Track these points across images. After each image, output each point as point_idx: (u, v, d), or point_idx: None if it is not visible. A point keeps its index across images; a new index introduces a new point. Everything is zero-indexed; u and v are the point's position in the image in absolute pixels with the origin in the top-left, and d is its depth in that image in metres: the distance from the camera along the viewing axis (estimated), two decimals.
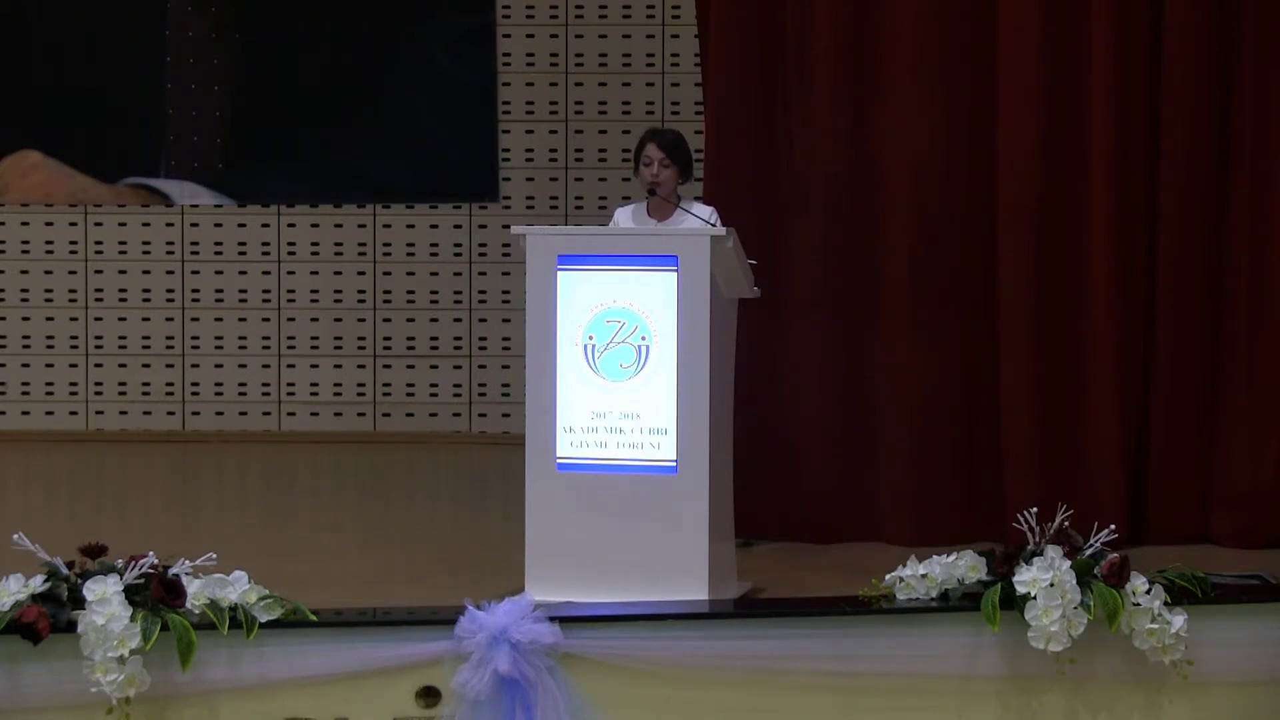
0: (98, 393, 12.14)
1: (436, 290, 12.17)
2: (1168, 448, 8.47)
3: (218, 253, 12.16)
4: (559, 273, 7.08)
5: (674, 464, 7.00)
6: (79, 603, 6.01)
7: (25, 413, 12.13)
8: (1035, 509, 6.51)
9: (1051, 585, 6.27)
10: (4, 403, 12.12)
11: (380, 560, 8.28)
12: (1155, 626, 6.31)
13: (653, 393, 7.01)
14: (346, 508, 10.32)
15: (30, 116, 12.11)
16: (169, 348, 12.16)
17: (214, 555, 6.21)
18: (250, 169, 12.13)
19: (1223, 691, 6.47)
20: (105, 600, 5.96)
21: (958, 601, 6.42)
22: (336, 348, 12.17)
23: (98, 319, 12.16)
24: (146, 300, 12.16)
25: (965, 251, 8.53)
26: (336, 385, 12.15)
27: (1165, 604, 6.35)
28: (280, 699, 6.18)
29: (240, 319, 12.17)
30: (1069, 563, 6.34)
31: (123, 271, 12.15)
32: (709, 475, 6.99)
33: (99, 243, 12.14)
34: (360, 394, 12.15)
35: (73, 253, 12.14)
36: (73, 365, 12.14)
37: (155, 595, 6.02)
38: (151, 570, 6.06)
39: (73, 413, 12.13)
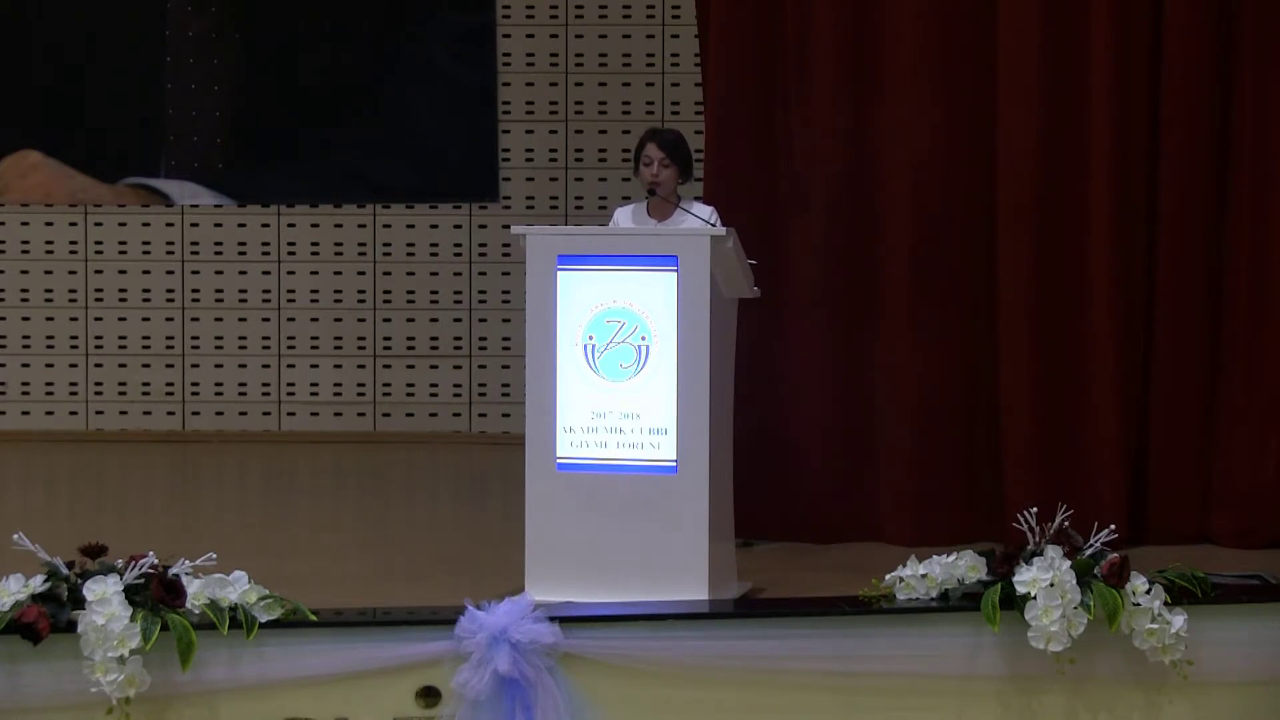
0: (98, 393, 12.14)
1: (436, 290, 12.17)
2: (1168, 448, 8.47)
3: (218, 253, 12.17)
4: (559, 273, 7.08)
5: (674, 464, 7.00)
6: (79, 603, 6.01)
7: (25, 413, 12.13)
8: (1035, 509, 6.51)
9: (1051, 585, 6.27)
10: (4, 403, 12.13)
11: (380, 560, 8.28)
12: (1155, 626, 6.31)
13: (653, 393, 7.01)
14: (346, 508, 10.32)
15: (30, 116, 12.11)
16: (169, 348, 12.16)
17: (214, 555, 6.21)
18: (250, 169, 12.14)
19: (1223, 691, 6.47)
20: (105, 600, 5.96)
21: (958, 601, 6.42)
22: (336, 348, 12.17)
23: (98, 319, 12.16)
24: (146, 300, 12.16)
25: (965, 251, 8.53)
26: (336, 385, 12.15)
27: (1165, 604, 6.35)
28: (280, 699, 6.18)
29: (240, 319, 12.17)
30: (1069, 563, 6.34)
31: (123, 271, 12.15)
32: (709, 475, 6.99)
33: (99, 243, 12.15)
34: (360, 394, 12.15)
35: (73, 253, 12.14)
36: (73, 365, 12.14)
37: (155, 595, 6.02)
38: (151, 570, 6.06)
39: (73, 413, 12.13)
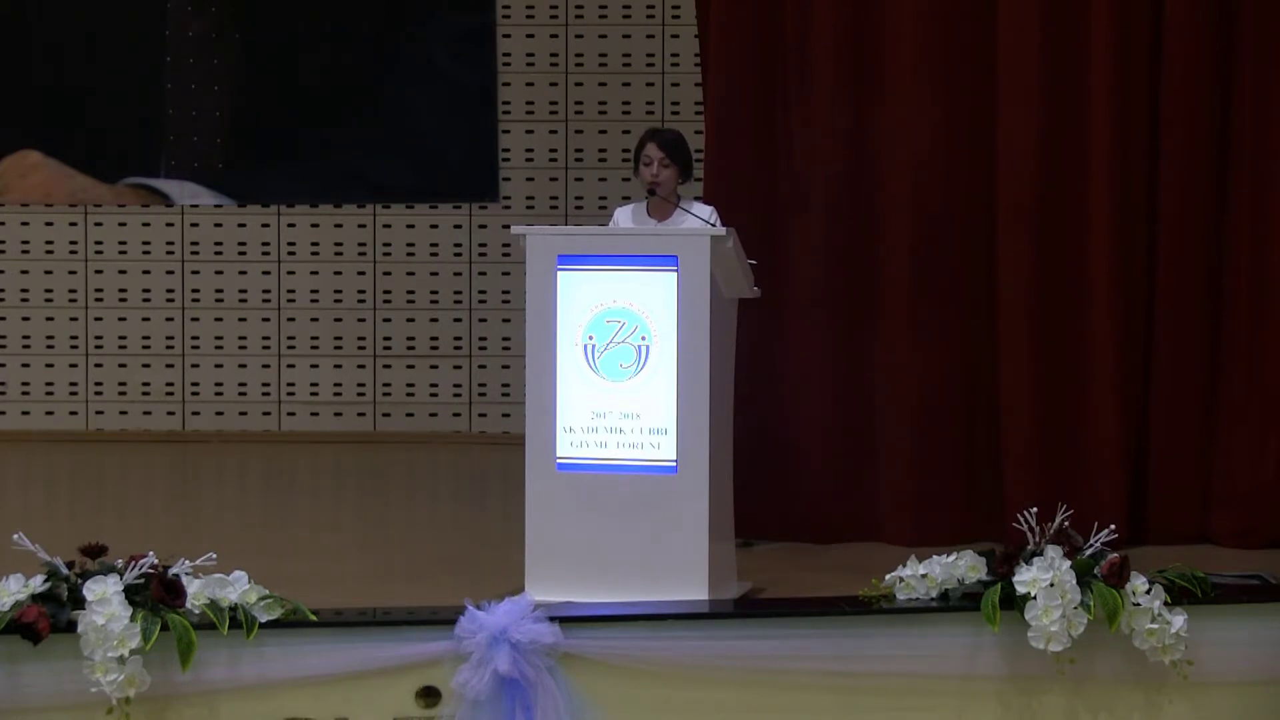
0: (98, 393, 12.14)
1: (436, 290, 12.17)
2: (1168, 448, 8.47)
3: (218, 253, 12.17)
4: (559, 273, 7.08)
5: (674, 464, 7.00)
6: (79, 603, 6.01)
7: (25, 413, 12.13)
8: (1035, 509, 6.51)
9: (1051, 585, 6.27)
10: (4, 403, 12.13)
11: (380, 560, 8.28)
12: (1155, 626, 6.31)
13: (653, 393, 7.01)
14: (346, 508, 10.32)
15: (30, 116, 12.11)
16: (169, 348, 12.16)
17: (214, 555, 6.21)
18: (250, 169, 12.14)
19: (1223, 691, 6.47)
20: (105, 600, 5.96)
21: (958, 601, 6.42)
22: (336, 348, 12.17)
23: (98, 319, 12.16)
24: (146, 300, 12.16)
25: (965, 251, 8.53)
26: (336, 385, 12.15)
27: (1165, 604, 6.35)
28: (280, 699, 6.18)
29: (240, 319, 12.17)
30: (1069, 563, 6.34)
31: (123, 271, 12.15)
32: (709, 475, 6.99)
33: (99, 243, 12.15)
34: (360, 394, 12.15)
35: (73, 253, 12.14)
36: (73, 365, 12.14)
37: (155, 595, 6.02)
38: (151, 570, 6.06)
39: (73, 413, 12.13)
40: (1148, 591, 6.35)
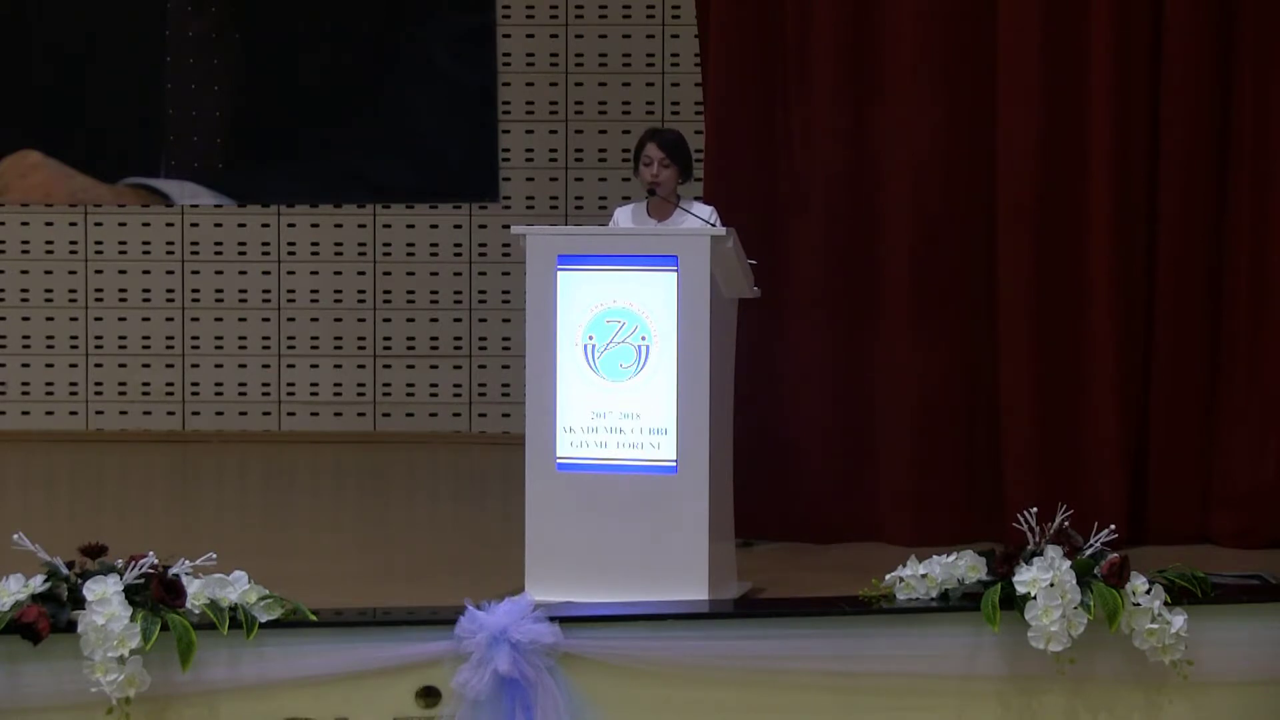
0: (98, 393, 12.14)
1: (436, 290, 12.17)
2: (1168, 448, 8.47)
3: (218, 253, 12.17)
4: (559, 273, 7.08)
5: (674, 464, 7.00)
6: (79, 603, 6.00)
7: (25, 413, 12.13)
8: (1035, 509, 6.51)
9: (1051, 585, 6.27)
10: (4, 403, 12.13)
11: (380, 560, 8.28)
12: (1155, 626, 6.31)
13: (653, 393, 7.01)
14: (346, 508, 10.32)
15: (30, 116, 12.11)
16: (169, 348, 12.16)
17: (214, 555, 6.21)
18: (250, 169, 12.14)
19: (1223, 691, 6.47)
20: (105, 600, 5.96)
21: (958, 601, 6.42)
22: (336, 348, 12.17)
23: (98, 319, 12.16)
24: (146, 300, 12.16)
25: (965, 251, 8.53)
26: (336, 385, 12.15)
27: (1165, 604, 6.35)
28: (280, 699, 6.18)
29: (240, 319, 12.17)
30: (1069, 563, 6.34)
31: (123, 271, 12.15)
32: (709, 475, 6.99)
33: (99, 243, 12.15)
34: (360, 394, 12.15)
35: (73, 253, 12.14)
36: (73, 365, 12.14)
37: (155, 595, 6.02)
38: (151, 570, 6.06)
39: (73, 413, 12.13)
40: (1148, 591, 6.35)
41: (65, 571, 6.09)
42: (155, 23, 12.05)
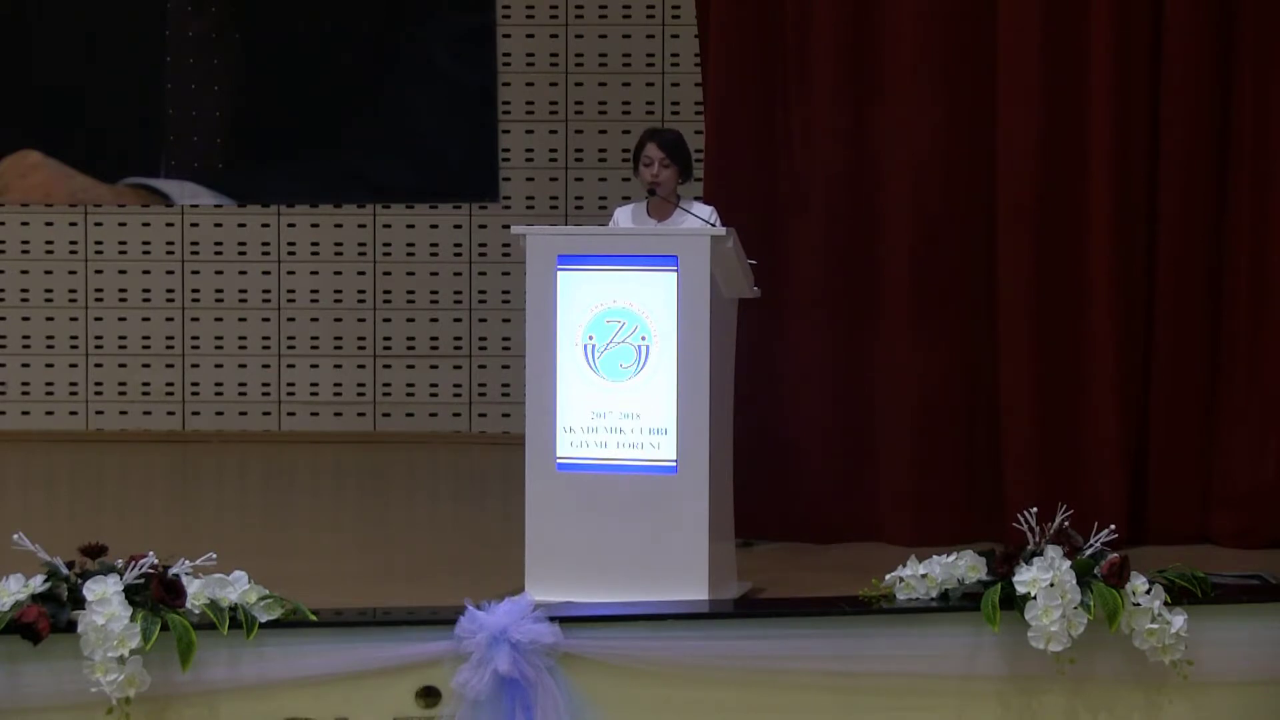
0: (98, 393, 12.14)
1: (436, 290, 12.17)
2: (1168, 448, 8.47)
3: (218, 253, 12.17)
4: (559, 273, 7.08)
5: (674, 464, 7.00)
6: (79, 603, 6.00)
7: (25, 413, 12.13)
8: (1035, 509, 6.50)
9: (1051, 585, 6.27)
10: (4, 403, 12.13)
11: (380, 560, 8.28)
12: (1155, 626, 6.31)
13: (653, 393, 7.01)
14: (346, 508, 10.32)
15: (30, 116, 12.11)
16: (169, 348, 12.16)
17: (214, 555, 6.21)
18: (250, 169, 12.14)
19: (1223, 691, 6.47)
20: (105, 600, 5.96)
21: (958, 601, 6.42)
22: (336, 348, 12.17)
23: (98, 319, 12.16)
24: (146, 300, 12.16)
25: (965, 251, 8.53)
26: (336, 385, 12.15)
27: (1165, 604, 6.35)
28: (280, 699, 6.18)
29: (240, 319, 12.17)
30: (1069, 563, 6.34)
31: (123, 271, 12.15)
32: (709, 475, 6.99)
33: (99, 243, 12.15)
34: (360, 394, 12.15)
35: (73, 253, 12.14)
36: (73, 365, 12.14)
37: (155, 595, 6.02)
38: (151, 570, 6.06)
39: (73, 413, 12.13)
40: (1148, 591, 6.35)
41: (65, 571, 6.09)
42: (155, 23, 12.05)
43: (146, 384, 12.13)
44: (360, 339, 12.17)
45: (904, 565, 6.52)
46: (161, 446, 11.87)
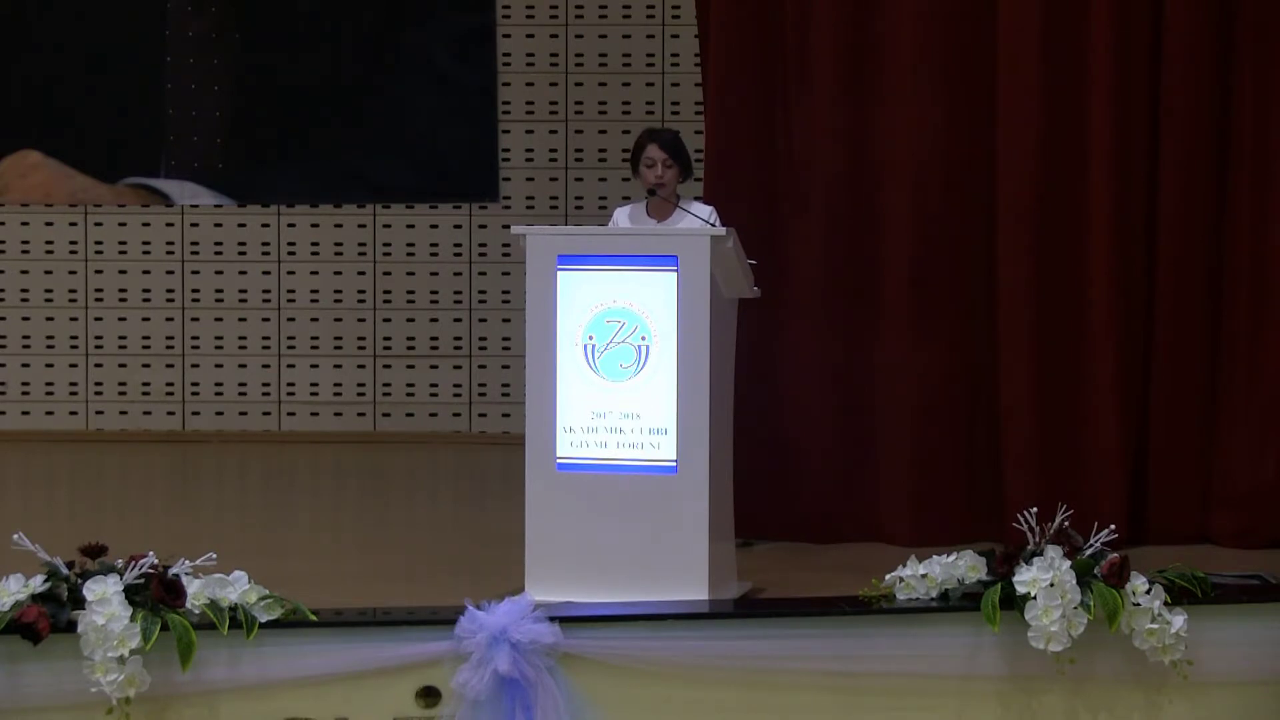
0: (98, 393, 12.14)
1: (436, 290, 12.17)
2: (1168, 448, 8.47)
3: (218, 253, 12.17)
4: (559, 273, 7.08)
5: (674, 464, 7.00)
6: (79, 603, 6.00)
7: (25, 413, 12.13)
8: (1035, 509, 6.50)
9: (1051, 585, 6.27)
10: (4, 403, 12.13)
11: (380, 560, 8.27)
12: (1155, 626, 6.30)
13: (653, 393, 7.01)
14: (346, 508, 10.32)
15: (30, 116, 12.11)
16: (169, 348, 12.16)
17: (214, 555, 6.21)
18: (250, 169, 12.14)
19: (1223, 691, 6.47)
20: (105, 600, 5.96)
21: (958, 601, 6.42)
22: (336, 348, 12.17)
23: (98, 319, 12.16)
24: (146, 300, 12.16)
25: (965, 251, 8.53)
26: (336, 385, 12.15)
27: (1165, 604, 6.35)
28: (280, 699, 6.18)
29: (240, 319, 12.17)
30: (1069, 563, 6.34)
31: (123, 271, 12.15)
32: (709, 475, 6.99)
33: (99, 243, 12.15)
34: (360, 394, 12.15)
35: (73, 253, 12.14)
36: (73, 365, 12.14)
37: (155, 595, 6.02)
38: (151, 570, 6.06)
39: (73, 413, 12.13)
40: (1148, 591, 6.35)
41: (65, 571, 6.09)
42: (155, 23, 12.05)
43: (146, 384, 12.13)
44: (360, 339, 12.17)
45: (904, 565, 6.52)
46: (161, 446, 11.87)
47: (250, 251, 12.16)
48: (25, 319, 12.15)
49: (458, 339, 12.17)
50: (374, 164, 12.10)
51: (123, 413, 12.13)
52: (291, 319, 12.16)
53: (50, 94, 12.07)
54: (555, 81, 12.07)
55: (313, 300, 12.16)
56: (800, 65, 8.59)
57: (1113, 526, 6.50)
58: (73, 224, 12.14)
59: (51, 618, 6.01)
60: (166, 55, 12.05)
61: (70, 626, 5.99)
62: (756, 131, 8.61)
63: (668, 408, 7.00)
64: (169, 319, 12.15)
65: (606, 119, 12.02)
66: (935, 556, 6.52)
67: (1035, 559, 6.36)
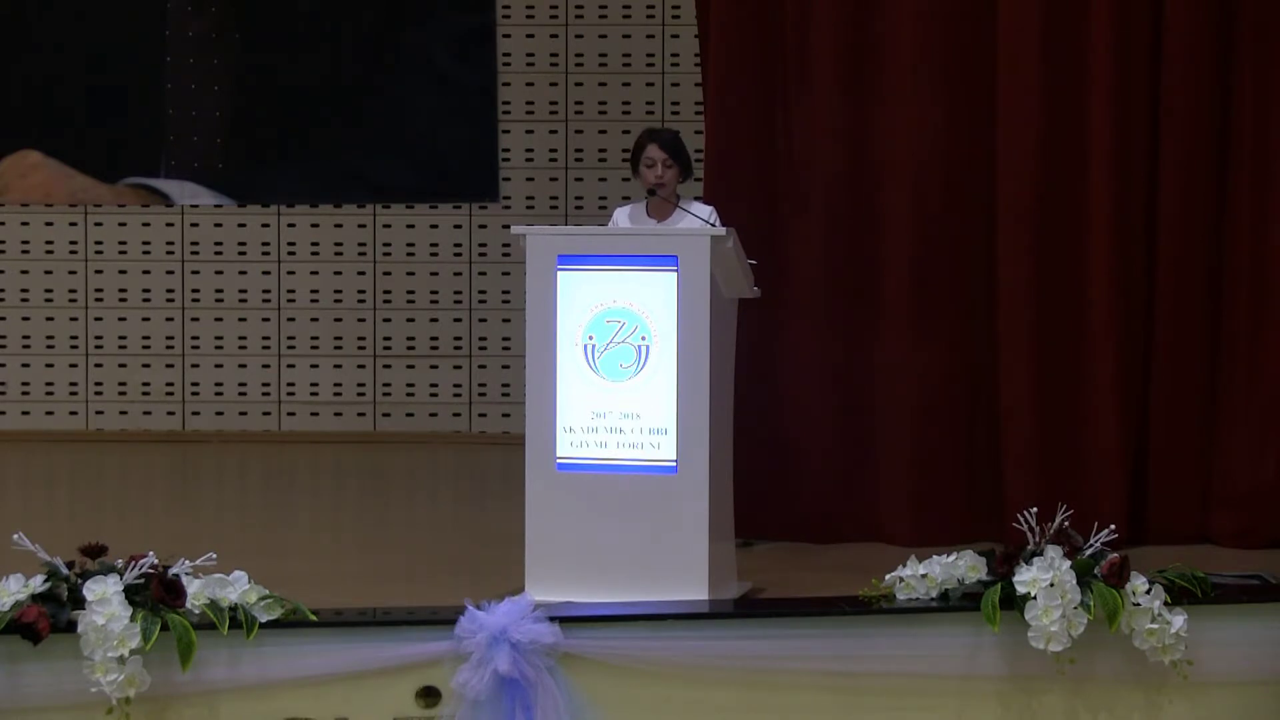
0: (98, 393, 12.14)
1: (436, 290, 12.17)
2: (1168, 448, 8.47)
3: (218, 253, 12.17)
4: (559, 273, 7.08)
5: (674, 464, 7.00)
6: (79, 603, 6.00)
7: (25, 413, 12.13)
8: (1035, 509, 6.50)
9: (1051, 585, 6.27)
10: (4, 403, 12.13)
11: (380, 560, 8.27)
12: (1155, 626, 6.30)
13: (653, 393, 7.01)
14: (346, 508, 10.32)
15: (30, 116, 12.11)
16: (169, 348, 12.16)
17: (214, 555, 6.21)
18: (250, 169, 12.14)
19: (1223, 691, 6.47)
20: (105, 600, 5.96)
21: (958, 601, 6.42)
22: (336, 348, 12.17)
23: (98, 319, 12.16)
24: (146, 300, 12.16)
25: (965, 251, 8.53)
26: (336, 385, 12.15)
27: (1165, 604, 6.35)
28: (280, 699, 6.18)
29: (240, 319, 12.17)
30: (1069, 563, 6.34)
31: (123, 271, 12.15)
32: (709, 475, 6.99)
33: (99, 243, 12.15)
34: (360, 394, 12.15)
35: (73, 253, 12.14)
36: (73, 365, 12.14)
37: (155, 595, 6.02)
38: (151, 570, 6.06)
39: (73, 413, 12.13)
40: (1148, 591, 6.35)
41: (65, 571, 6.09)
42: (155, 23, 12.05)
43: (146, 384, 12.13)
44: (360, 339, 12.17)
45: (904, 565, 6.52)
46: (161, 446, 11.87)
47: (250, 251, 12.16)
48: (25, 319, 12.15)
49: (458, 339, 12.17)
50: (374, 164, 12.10)
51: (123, 413, 12.13)
52: (291, 319, 12.16)
53: (50, 94, 12.07)
54: (555, 81, 12.07)
55: (313, 300, 12.16)
56: (800, 65, 8.59)
57: (1113, 526, 6.50)
58: (73, 224, 12.14)
59: (51, 618, 6.01)
60: (166, 55, 12.05)
61: (70, 626, 5.99)
62: (756, 131, 8.61)
63: (668, 408, 7.00)
64: (169, 319, 12.15)
65: (606, 119, 12.02)
66: (935, 556, 6.52)
67: (1035, 559, 6.36)
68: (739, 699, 6.33)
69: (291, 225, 12.17)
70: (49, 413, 12.13)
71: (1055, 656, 6.27)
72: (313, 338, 12.16)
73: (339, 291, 12.17)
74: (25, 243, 12.15)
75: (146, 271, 12.15)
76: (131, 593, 6.01)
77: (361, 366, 12.16)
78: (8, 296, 12.16)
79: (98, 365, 12.15)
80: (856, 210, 8.56)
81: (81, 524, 9.28)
